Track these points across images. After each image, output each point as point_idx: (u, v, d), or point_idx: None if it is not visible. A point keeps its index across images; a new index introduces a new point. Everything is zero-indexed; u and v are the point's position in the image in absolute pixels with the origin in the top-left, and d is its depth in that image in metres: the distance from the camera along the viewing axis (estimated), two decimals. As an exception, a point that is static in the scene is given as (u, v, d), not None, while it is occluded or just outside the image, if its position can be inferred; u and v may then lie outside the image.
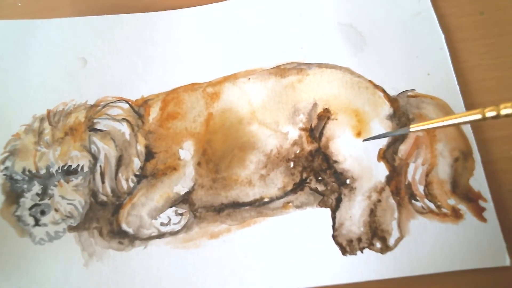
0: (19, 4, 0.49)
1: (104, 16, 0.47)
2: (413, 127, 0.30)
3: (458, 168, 0.38)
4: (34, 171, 0.40)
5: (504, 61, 0.42)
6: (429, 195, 0.37)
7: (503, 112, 0.24)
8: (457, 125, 0.25)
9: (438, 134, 0.39)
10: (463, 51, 0.43)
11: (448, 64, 0.42)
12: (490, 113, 0.24)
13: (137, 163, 0.40)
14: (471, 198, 0.37)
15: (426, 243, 0.36)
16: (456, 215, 0.37)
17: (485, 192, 0.37)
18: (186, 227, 0.38)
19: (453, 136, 0.39)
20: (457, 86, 0.41)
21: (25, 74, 0.44)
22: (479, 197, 0.37)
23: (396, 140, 0.39)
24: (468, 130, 0.39)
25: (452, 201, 0.37)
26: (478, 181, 0.37)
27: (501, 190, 0.38)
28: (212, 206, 0.39)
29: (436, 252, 0.36)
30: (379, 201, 0.37)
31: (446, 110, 0.40)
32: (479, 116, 0.25)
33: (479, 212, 0.36)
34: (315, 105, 0.41)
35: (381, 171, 0.38)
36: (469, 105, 0.40)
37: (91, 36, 0.46)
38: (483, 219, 0.36)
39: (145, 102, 0.43)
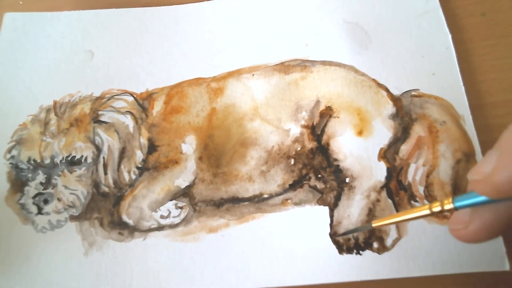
0: (21, 3, 0.50)
1: (112, 9, 0.47)
2: (375, 223, 0.32)
3: (460, 170, 0.37)
4: (39, 160, 0.41)
5: (505, 62, 0.42)
6: (429, 196, 0.37)
7: (446, 207, 0.27)
8: (412, 219, 0.31)
9: (441, 135, 0.38)
10: (464, 52, 0.42)
11: (454, 64, 0.41)
12: (436, 209, 0.28)
13: (139, 155, 0.41)
14: (472, 201, 0.36)
15: (424, 244, 0.35)
16: (456, 217, 0.36)
17: (487, 195, 0.36)
18: (185, 221, 0.39)
19: (456, 137, 0.38)
20: (463, 87, 0.40)
21: (33, 66, 0.45)
22: (481, 200, 0.36)
23: (398, 140, 0.39)
24: (472, 131, 0.38)
25: (452, 203, 0.36)
26: (480, 184, 0.37)
27: (503, 193, 0.37)
28: (212, 201, 0.39)
29: (434, 254, 0.35)
30: (378, 200, 0.37)
31: (450, 111, 0.39)
32: (427, 212, 0.28)
33: (479, 215, 0.36)
34: (317, 102, 0.41)
35: (381, 171, 0.38)
36: (473, 107, 0.39)
37: (98, 29, 0.46)
38: (484, 223, 0.36)
39: (150, 96, 0.43)
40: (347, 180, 0.38)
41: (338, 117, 0.40)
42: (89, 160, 0.41)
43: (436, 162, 0.38)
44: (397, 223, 0.30)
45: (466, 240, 0.27)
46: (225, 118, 0.42)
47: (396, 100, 0.40)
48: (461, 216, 0.27)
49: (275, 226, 0.38)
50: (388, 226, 0.36)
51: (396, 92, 0.41)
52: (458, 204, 0.26)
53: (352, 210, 0.37)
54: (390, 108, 0.40)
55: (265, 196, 0.39)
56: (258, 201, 0.39)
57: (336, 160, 0.39)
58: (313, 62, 0.43)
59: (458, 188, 0.37)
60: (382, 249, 0.36)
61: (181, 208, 0.39)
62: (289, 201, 0.38)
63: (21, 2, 0.50)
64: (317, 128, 0.40)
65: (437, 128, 0.39)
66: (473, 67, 0.42)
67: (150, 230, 0.39)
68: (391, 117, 0.40)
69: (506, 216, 0.25)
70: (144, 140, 0.41)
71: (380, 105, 0.40)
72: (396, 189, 0.37)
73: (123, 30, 0.46)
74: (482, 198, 0.25)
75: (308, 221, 0.38)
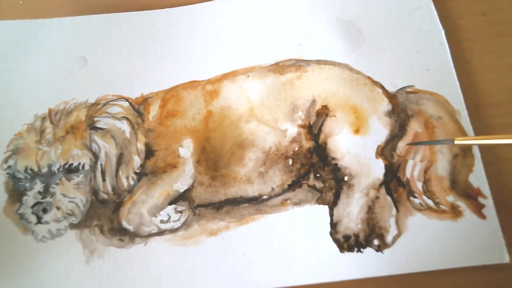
0: (20, 2, 0.49)
1: (104, 14, 0.47)
2: (458, 140, 0.31)
3: (457, 165, 0.38)
4: (36, 169, 0.41)
5: (504, 62, 0.42)
6: (427, 192, 0.37)
7: None
8: (499, 145, 0.29)
9: (437, 131, 0.39)
10: (463, 51, 0.42)
11: (448, 59, 0.41)
12: None
13: (137, 161, 0.41)
14: (470, 195, 0.37)
15: (424, 240, 0.36)
16: (455, 212, 0.36)
17: (485, 188, 0.37)
18: (185, 225, 0.39)
19: (453, 132, 0.38)
20: (457, 82, 0.40)
21: (26, 74, 0.45)
22: (479, 194, 0.37)
23: (395, 137, 0.39)
24: (469, 128, 0.39)
25: (451, 198, 0.37)
26: (478, 178, 0.37)
27: (501, 186, 0.37)
28: (211, 204, 0.39)
29: (434, 249, 0.35)
30: (377, 198, 0.37)
31: (445, 106, 0.39)
32: None
33: (478, 209, 0.36)
34: (313, 102, 0.41)
35: (379, 168, 0.38)
36: (471, 107, 0.40)
37: (91, 35, 0.46)
38: (482, 216, 0.36)
39: (145, 100, 0.43)
40: (346, 178, 0.38)
41: (334, 116, 0.40)
42: (87, 167, 0.41)
43: (434, 157, 0.38)
44: (480, 145, 0.29)
45: None
46: (221, 120, 0.42)
47: (391, 97, 0.40)
48: None
49: (275, 226, 0.38)
50: (388, 223, 0.36)
51: (391, 89, 0.41)
52: None
53: (352, 208, 0.37)
54: (386, 105, 0.40)
55: (264, 197, 0.39)
56: (258, 203, 0.39)
57: (334, 159, 0.39)
58: (308, 62, 0.43)
59: (456, 182, 0.37)
60: (383, 246, 0.36)
61: (180, 212, 0.39)
62: (288, 201, 0.39)
63: (21, 2, 0.49)
64: (314, 128, 0.40)
65: (433, 124, 0.39)
66: (472, 67, 0.42)
67: (151, 235, 0.39)
68: (387, 114, 0.40)
69: None
70: (141, 145, 0.41)
71: (376, 103, 0.40)
72: (395, 185, 0.38)
73: (116, 35, 0.46)
74: None
75: (308, 221, 0.38)
